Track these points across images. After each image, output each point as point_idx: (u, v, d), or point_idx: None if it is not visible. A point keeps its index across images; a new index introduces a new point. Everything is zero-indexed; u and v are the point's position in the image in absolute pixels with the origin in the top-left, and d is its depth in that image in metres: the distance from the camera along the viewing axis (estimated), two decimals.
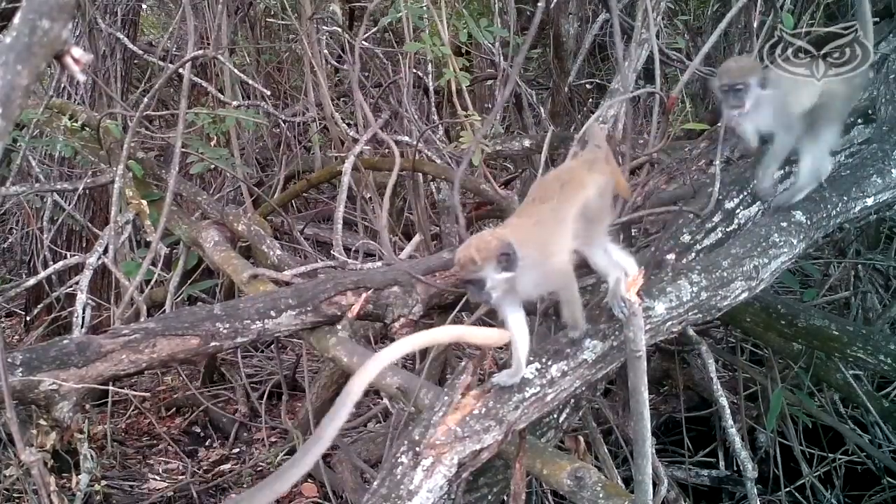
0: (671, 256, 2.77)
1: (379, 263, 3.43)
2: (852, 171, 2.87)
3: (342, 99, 6.83)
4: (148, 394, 5.48)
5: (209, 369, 5.66)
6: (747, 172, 2.94)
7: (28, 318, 5.96)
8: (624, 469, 3.75)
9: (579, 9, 6.38)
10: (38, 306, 5.36)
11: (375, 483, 2.23)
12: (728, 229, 2.90)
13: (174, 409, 5.55)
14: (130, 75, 6.23)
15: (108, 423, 4.76)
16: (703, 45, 4.03)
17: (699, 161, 3.49)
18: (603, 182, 2.34)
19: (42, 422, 2.83)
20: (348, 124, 5.07)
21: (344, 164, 4.13)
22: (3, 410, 2.42)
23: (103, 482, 4.29)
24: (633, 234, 3.60)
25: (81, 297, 3.60)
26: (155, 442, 5.17)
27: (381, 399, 4.54)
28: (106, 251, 3.83)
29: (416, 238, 4.06)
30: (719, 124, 3.13)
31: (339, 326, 3.02)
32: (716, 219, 2.91)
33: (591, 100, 7.14)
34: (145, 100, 4.00)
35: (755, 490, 3.31)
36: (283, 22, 6.73)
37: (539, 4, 3.56)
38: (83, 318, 3.58)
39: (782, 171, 2.90)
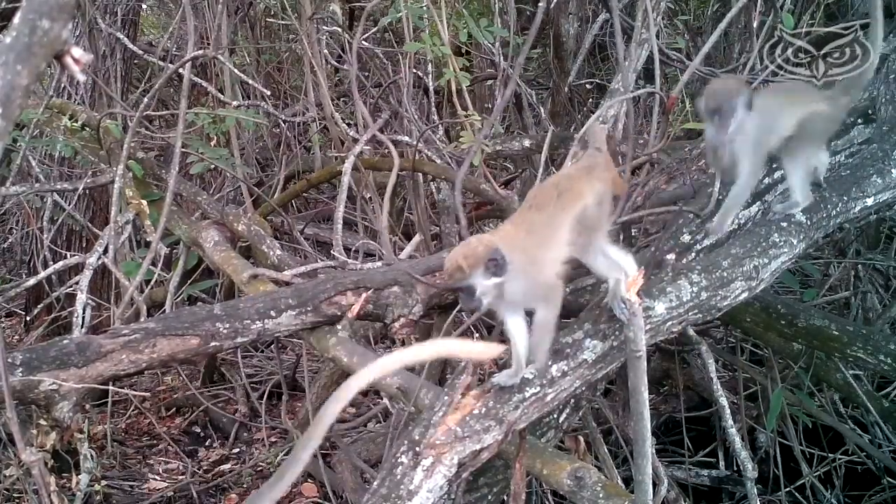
0: (671, 256, 2.77)
1: (379, 263, 3.43)
2: (852, 171, 2.87)
3: (342, 99, 6.83)
4: (148, 394, 5.47)
5: (209, 369, 5.66)
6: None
7: (28, 318, 5.96)
8: (624, 469, 3.75)
9: (579, 9, 6.38)
10: (38, 306, 5.36)
11: (375, 483, 2.23)
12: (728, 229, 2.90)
13: (174, 409, 5.55)
14: (130, 75, 6.23)
15: (108, 423, 4.77)
16: (703, 45, 4.03)
17: (699, 161, 3.50)
18: (602, 190, 2.30)
19: (42, 422, 2.83)
20: (348, 124, 5.07)
21: (344, 164, 4.13)
22: (4, 410, 2.42)
23: (103, 482, 4.29)
24: (633, 234, 3.60)
25: (81, 297, 3.60)
26: (155, 442, 5.17)
27: (381, 399, 4.54)
28: (106, 251, 3.83)
29: (416, 238, 4.05)
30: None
31: (339, 326, 3.02)
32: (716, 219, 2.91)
33: (591, 100, 7.14)
34: (145, 100, 4.00)
35: (755, 490, 3.31)
36: (283, 22, 6.73)
37: (540, 4, 3.57)
38: (83, 318, 3.58)
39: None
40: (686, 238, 2.93)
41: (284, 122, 5.89)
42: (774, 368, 4.18)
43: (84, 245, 5.60)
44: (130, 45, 5.54)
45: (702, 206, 2.92)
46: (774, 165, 2.89)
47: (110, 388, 4.15)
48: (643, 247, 3.26)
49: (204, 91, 5.47)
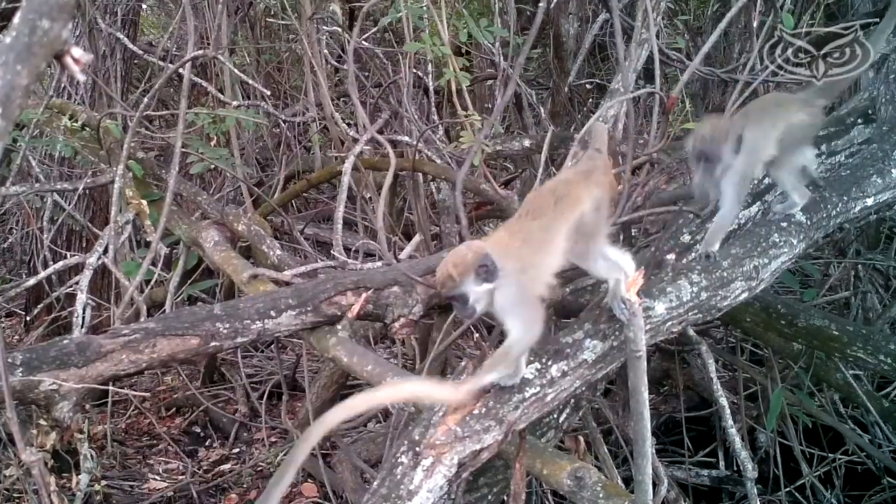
0: (671, 256, 2.77)
1: (379, 263, 3.43)
2: (852, 171, 2.88)
3: (342, 99, 6.82)
4: (148, 394, 5.48)
5: (209, 369, 5.66)
6: None
7: (28, 318, 5.96)
8: (624, 469, 3.75)
9: (579, 9, 6.38)
10: (38, 306, 5.36)
11: (375, 483, 2.23)
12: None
13: (174, 409, 5.55)
14: (130, 75, 6.23)
15: (108, 423, 4.77)
16: (703, 45, 4.03)
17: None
18: (599, 195, 2.26)
19: (42, 422, 2.83)
20: (348, 124, 5.07)
21: (344, 164, 4.13)
22: (4, 410, 2.42)
23: (103, 482, 4.30)
24: (633, 234, 3.60)
25: (81, 297, 3.59)
26: (155, 442, 5.17)
27: None
28: (106, 251, 3.83)
29: (416, 238, 4.05)
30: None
31: (339, 326, 3.02)
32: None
33: (591, 100, 7.15)
34: (145, 100, 4.00)
35: (755, 490, 3.31)
36: (283, 22, 6.73)
37: (540, 4, 3.57)
38: (83, 318, 3.58)
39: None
40: (686, 238, 2.93)
41: (284, 122, 5.89)
42: (774, 368, 4.18)
43: (84, 245, 5.60)
44: (130, 45, 5.54)
45: (702, 206, 2.92)
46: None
47: (110, 388, 4.15)
48: (643, 247, 3.26)
49: (204, 91, 5.47)
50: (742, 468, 3.27)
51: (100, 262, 3.82)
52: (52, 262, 4.61)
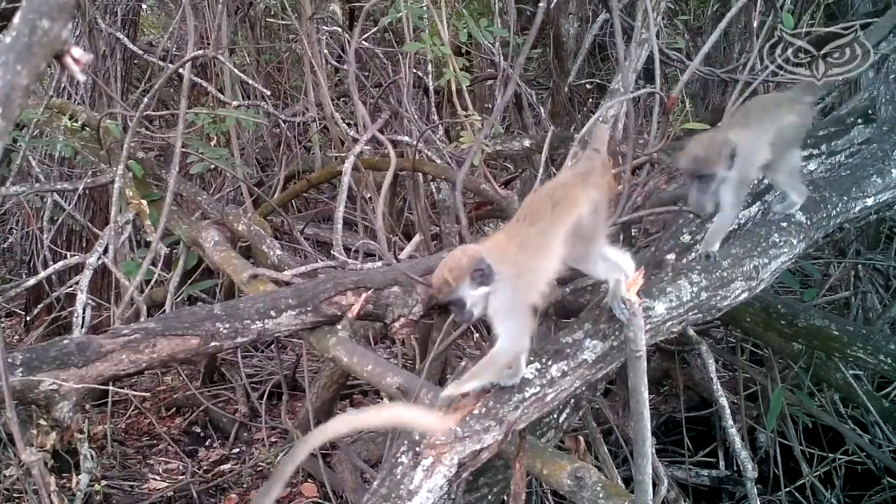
0: (671, 256, 2.77)
1: (379, 263, 3.43)
2: (852, 171, 2.88)
3: (342, 99, 6.83)
4: (148, 394, 5.48)
5: (209, 369, 5.66)
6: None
7: (28, 318, 5.97)
8: (624, 469, 3.76)
9: (579, 9, 6.38)
10: (38, 306, 5.36)
11: (375, 483, 2.23)
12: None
13: (174, 409, 5.56)
14: (130, 75, 6.24)
15: (108, 423, 4.77)
16: (703, 45, 4.03)
17: None
18: (597, 197, 2.23)
19: (42, 422, 2.83)
20: (348, 124, 5.07)
21: (344, 164, 4.13)
22: (4, 410, 2.42)
23: (103, 482, 4.30)
24: (633, 234, 3.60)
25: (81, 297, 3.59)
26: (155, 442, 5.17)
27: (381, 399, 4.54)
28: (106, 251, 3.83)
29: (416, 238, 4.05)
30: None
31: (339, 326, 3.02)
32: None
33: (591, 100, 7.15)
34: (145, 100, 4.00)
35: (755, 490, 3.31)
36: (283, 22, 6.74)
37: (540, 4, 3.57)
38: (83, 318, 3.58)
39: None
40: (686, 238, 2.93)
41: (284, 122, 5.89)
42: (774, 368, 4.18)
43: (84, 245, 5.61)
44: (130, 45, 5.54)
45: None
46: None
47: (110, 388, 4.15)
48: (643, 247, 3.26)
49: (204, 91, 5.47)
50: (742, 468, 3.27)
51: (100, 262, 3.82)
52: (52, 262, 4.61)
